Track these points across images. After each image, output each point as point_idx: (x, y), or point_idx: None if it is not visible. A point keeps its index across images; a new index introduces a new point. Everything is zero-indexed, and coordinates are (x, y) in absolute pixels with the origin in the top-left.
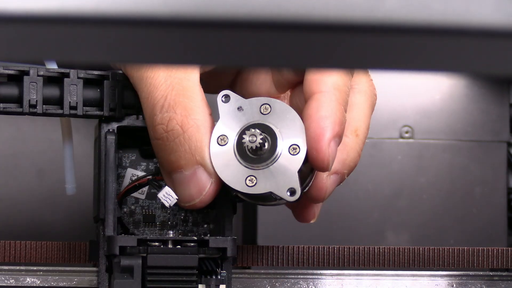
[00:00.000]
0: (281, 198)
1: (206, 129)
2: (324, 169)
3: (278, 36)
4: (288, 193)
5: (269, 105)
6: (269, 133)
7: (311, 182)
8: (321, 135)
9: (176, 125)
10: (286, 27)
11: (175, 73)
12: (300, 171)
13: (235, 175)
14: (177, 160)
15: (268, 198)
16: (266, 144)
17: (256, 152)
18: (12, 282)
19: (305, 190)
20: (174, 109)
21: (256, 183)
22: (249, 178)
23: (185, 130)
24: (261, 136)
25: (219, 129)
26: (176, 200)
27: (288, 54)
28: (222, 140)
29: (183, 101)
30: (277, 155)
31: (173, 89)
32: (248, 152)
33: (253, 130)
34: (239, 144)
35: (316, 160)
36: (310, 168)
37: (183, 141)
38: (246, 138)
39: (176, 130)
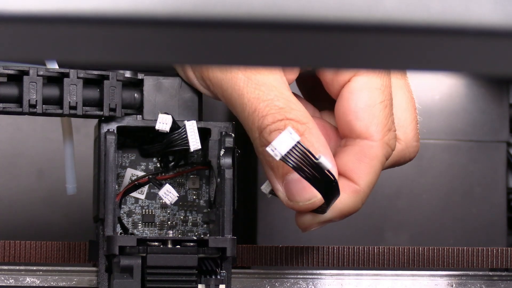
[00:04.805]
0: None
1: (315, 129)
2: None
3: (278, 36)
4: None
5: None
6: None
7: None
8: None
9: (296, 124)
10: (287, 26)
11: (273, 83)
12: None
13: None
14: None
15: None
16: None
17: None
18: (12, 282)
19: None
20: (290, 108)
21: None
22: None
23: (304, 133)
24: None
25: None
26: (177, 198)
27: (289, 54)
28: None
29: (294, 109)
30: None
31: (281, 88)
32: None
33: None
34: None
35: None
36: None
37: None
38: None
39: (294, 128)
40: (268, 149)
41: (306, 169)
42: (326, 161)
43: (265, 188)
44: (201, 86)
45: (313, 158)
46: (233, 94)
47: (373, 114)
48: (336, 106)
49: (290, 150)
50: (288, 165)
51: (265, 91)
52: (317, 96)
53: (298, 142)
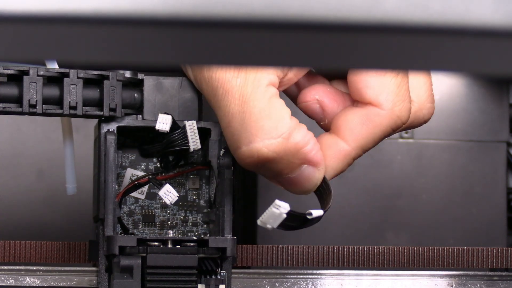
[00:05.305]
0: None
1: (297, 132)
2: None
3: (278, 36)
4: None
5: None
6: None
7: None
8: None
9: (268, 151)
10: (287, 26)
11: (248, 97)
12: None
13: None
14: (280, 171)
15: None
16: None
17: None
18: (12, 282)
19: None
20: (258, 137)
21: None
22: None
23: (278, 151)
24: None
25: None
26: (177, 198)
27: (289, 54)
28: None
29: (265, 124)
30: None
31: (251, 115)
32: None
33: None
34: None
35: None
36: None
37: (279, 159)
38: None
39: (269, 155)
40: (260, 223)
41: (299, 224)
42: (318, 213)
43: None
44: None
45: (304, 217)
46: (214, 105)
47: (384, 83)
48: (348, 74)
49: (281, 223)
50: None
51: (239, 106)
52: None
53: (288, 214)
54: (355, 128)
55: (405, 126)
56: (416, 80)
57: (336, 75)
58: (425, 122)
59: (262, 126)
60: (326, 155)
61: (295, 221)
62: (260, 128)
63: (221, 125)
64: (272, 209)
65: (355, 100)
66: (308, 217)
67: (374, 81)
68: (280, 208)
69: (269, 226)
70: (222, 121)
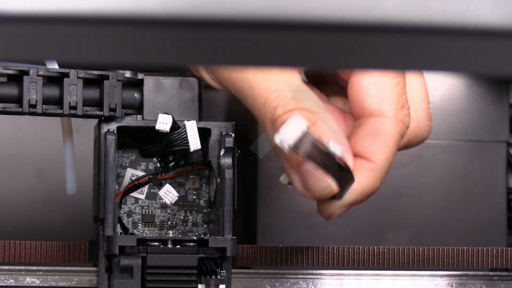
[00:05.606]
0: None
1: (327, 117)
2: None
3: (278, 36)
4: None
5: None
6: None
7: None
8: None
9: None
10: (287, 27)
11: (284, 76)
12: None
13: None
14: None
15: None
16: None
17: None
18: (12, 282)
19: None
20: (301, 106)
21: None
22: None
23: (317, 123)
24: None
25: None
26: (177, 198)
27: (289, 54)
28: None
29: (306, 98)
30: None
31: (292, 86)
32: None
33: None
34: None
35: None
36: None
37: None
38: None
39: (308, 124)
40: (277, 140)
41: (317, 157)
42: (335, 148)
43: (283, 179)
44: (212, 80)
45: (322, 146)
46: (243, 86)
47: (385, 91)
48: (348, 86)
49: (299, 139)
50: (298, 154)
51: (275, 82)
52: (324, 81)
53: (306, 131)
54: (369, 145)
55: (404, 145)
56: (415, 98)
57: (333, 90)
58: (423, 140)
59: (304, 99)
60: (359, 178)
61: (312, 147)
62: (303, 98)
63: (256, 105)
64: (291, 122)
65: (357, 117)
66: (325, 149)
67: (375, 90)
68: (300, 122)
69: (284, 144)
70: (259, 98)
